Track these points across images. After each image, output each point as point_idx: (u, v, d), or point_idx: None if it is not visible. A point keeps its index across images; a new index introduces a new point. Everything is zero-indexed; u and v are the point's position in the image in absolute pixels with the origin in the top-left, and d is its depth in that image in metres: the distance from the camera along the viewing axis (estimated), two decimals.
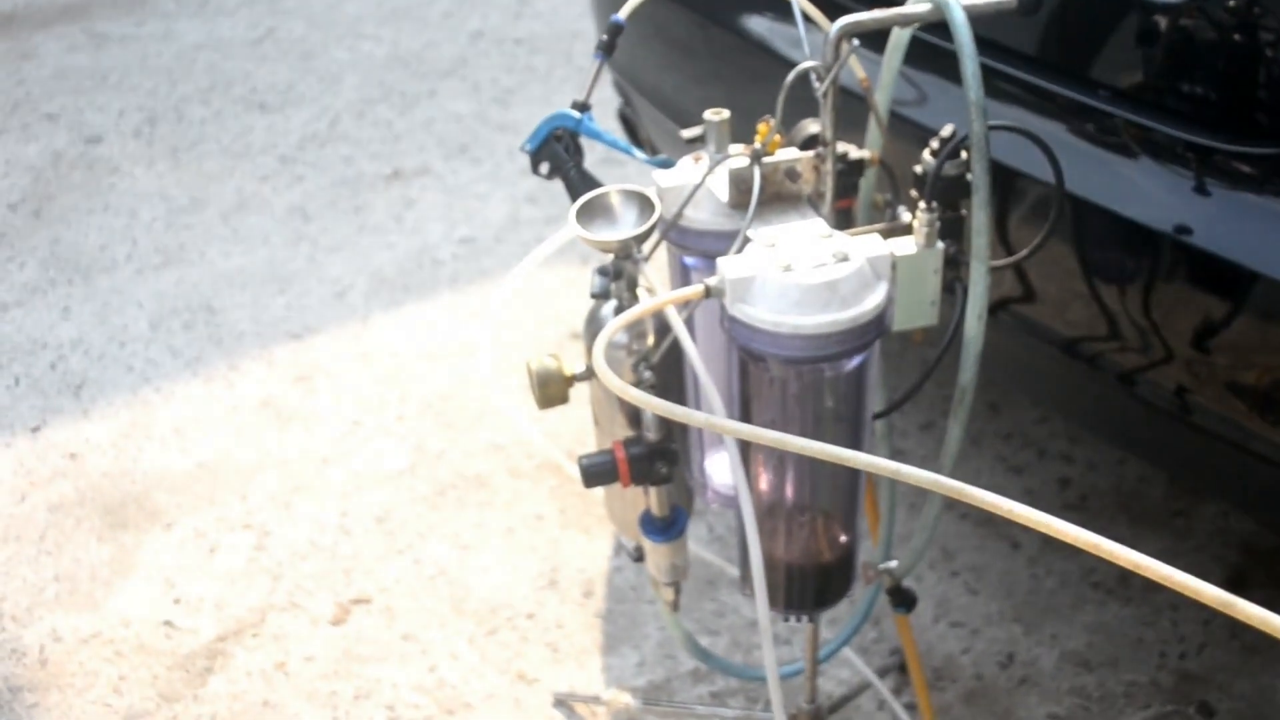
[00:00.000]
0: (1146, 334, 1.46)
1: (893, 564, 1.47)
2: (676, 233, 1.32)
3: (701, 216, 1.30)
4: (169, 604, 2.13)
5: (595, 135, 1.37)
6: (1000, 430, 2.30)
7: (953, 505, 1.98)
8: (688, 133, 1.42)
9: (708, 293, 1.17)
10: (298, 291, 2.98)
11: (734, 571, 2.05)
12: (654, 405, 0.92)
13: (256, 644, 2.05)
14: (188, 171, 3.59)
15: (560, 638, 2.02)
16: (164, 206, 3.42)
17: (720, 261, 1.17)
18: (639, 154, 1.37)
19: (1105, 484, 2.18)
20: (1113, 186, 1.46)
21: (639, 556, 1.53)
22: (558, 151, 1.39)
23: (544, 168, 1.40)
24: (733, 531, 2.12)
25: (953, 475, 1.22)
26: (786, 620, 1.42)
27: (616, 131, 2.82)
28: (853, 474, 1.33)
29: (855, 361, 1.22)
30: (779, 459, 1.30)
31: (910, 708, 1.85)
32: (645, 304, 1.16)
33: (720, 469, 1.52)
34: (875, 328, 1.17)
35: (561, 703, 1.91)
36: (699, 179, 1.28)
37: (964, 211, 1.26)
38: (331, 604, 2.11)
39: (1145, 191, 1.45)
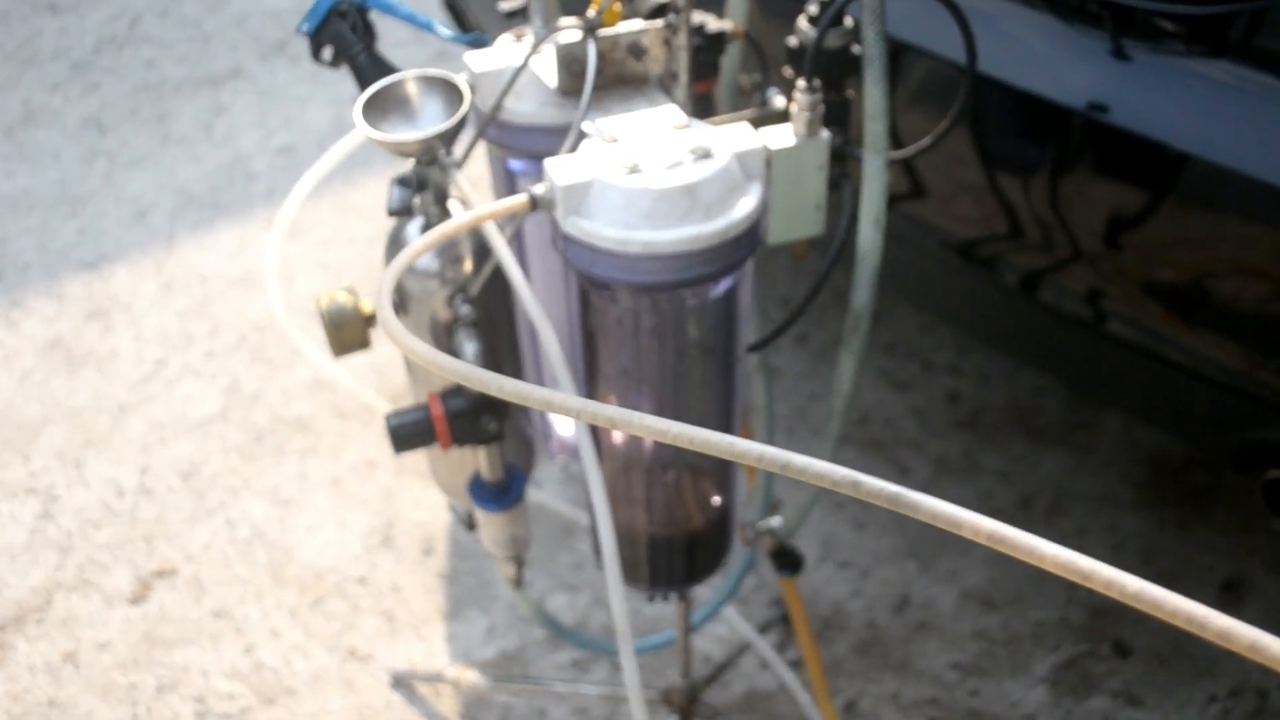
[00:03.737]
0: (1053, 231, 1.31)
1: (774, 522, 1.24)
2: (495, 129, 1.07)
3: (526, 108, 1.06)
4: None
5: (387, 8, 1.09)
6: (881, 341, 2.08)
7: None
8: (506, 4, 1.15)
9: (534, 204, 0.92)
10: (92, 214, 2.64)
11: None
12: (448, 369, 0.66)
13: (40, 632, 1.76)
14: None
15: (397, 604, 1.77)
16: None
17: (548, 164, 0.91)
18: (442, 30, 1.09)
19: (998, 398, 1.97)
20: (1014, 57, 1.30)
21: (472, 524, 1.28)
22: (342, 32, 1.11)
23: (326, 53, 1.12)
24: None
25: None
26: (652, 600, 1.18)
27: (448, 22, 2.51)
28: (725, 412, 1.10)
29: (724, 285, 0.98)
30: (636, 403, 1.05)
31: (797, 664, 1.64)
32: (455, 221, 0.89)
33: (564, 418, 1.27)
34: (747, 242, 0.93)
35: (400, 682, 1.66)
36: (520, 60, 1.02)
37: (851, 92, 1.02)
38: (130, 579, 1.83)
39: (1053, 61, 1.27)
